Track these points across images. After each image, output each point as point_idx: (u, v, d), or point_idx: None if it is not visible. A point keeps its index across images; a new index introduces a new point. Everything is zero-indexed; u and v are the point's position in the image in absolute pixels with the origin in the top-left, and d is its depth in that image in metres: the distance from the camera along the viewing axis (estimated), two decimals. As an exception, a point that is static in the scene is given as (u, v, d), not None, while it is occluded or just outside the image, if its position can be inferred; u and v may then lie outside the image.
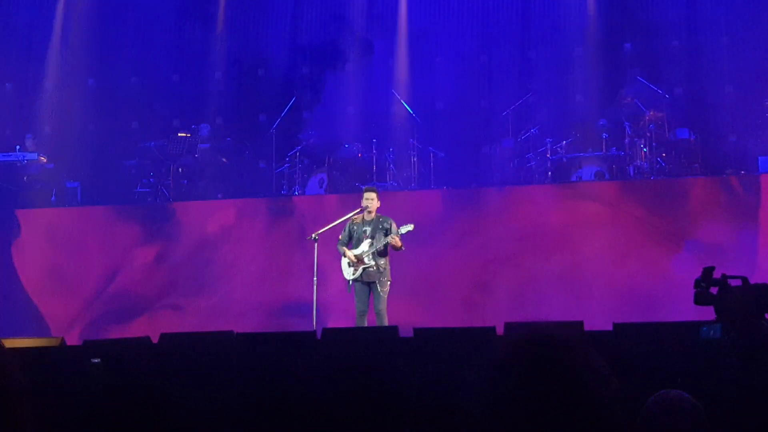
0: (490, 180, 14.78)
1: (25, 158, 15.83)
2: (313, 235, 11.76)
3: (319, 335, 9.48)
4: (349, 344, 8.84)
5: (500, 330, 8.67)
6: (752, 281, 6.43)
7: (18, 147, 15.99)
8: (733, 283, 6.30)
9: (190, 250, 14.55)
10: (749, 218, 13.14)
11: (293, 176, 15.41)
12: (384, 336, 9.45)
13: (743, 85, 14.99)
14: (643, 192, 13.75)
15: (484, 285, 13.48)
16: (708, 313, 6.59)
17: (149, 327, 12.83)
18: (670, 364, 7.16)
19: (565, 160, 14.66)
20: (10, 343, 7.85)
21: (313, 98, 16.27)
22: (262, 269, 14.27)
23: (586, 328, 8.75)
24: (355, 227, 11.57)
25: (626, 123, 14.60)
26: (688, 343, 7.10)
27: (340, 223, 11.77)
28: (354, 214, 11.61)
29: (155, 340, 9.24)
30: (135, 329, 13.54)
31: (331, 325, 12.02)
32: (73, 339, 12.48)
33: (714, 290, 6.41)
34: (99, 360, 8.19)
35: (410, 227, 11.43)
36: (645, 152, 14.36)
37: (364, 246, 11.45)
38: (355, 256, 11.42)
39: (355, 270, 11.46)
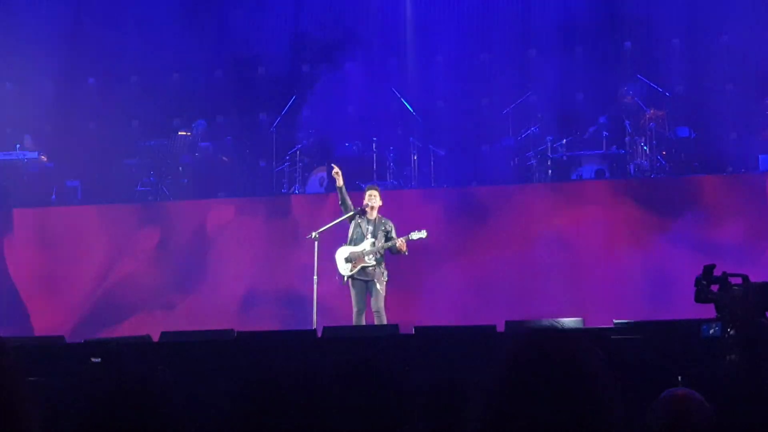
0: (491, 178, 14.78)
1: (25, 157, 15.82)
2: (313, 234, 11.69)
3: (319, 333, 9.49)
4: (350, 342, 8.85)
5: (501, 328, 8.69)
6: (753, 280, 6.43)
7: (18, 146, 15.98)
8: (734, 281, 6.31)
9: (190, 249, 14.53)
10: (750, 216, 13.14)
11: (293, 175, 15.40)
12: (385, 334, 9.47)
13: (743, 84, 14.98)
14: (644, 190, 13.75)
15: (485, 283, 13.47)
16: (709, 310, 6.59)
17: (146, 326, 12.78)
18: (671, 362, 7.17)
19: (565, 158, 14.66)
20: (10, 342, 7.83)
21: (313, 97, 16.25)
22: (262, 268, 14.26)
23: (587, 325, 8.76)
24: (358, 227, 11.51)
25: (626, 121, 14.60)
26: (689, 340, 7.11)
27: (340, 221, 11.74)
28: (354, 213, 11.58)
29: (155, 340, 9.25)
30: (128, 328, 13.52)
31: (330, 324, 12.01)
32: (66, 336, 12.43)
33: (715, 288, 6.42)
34: (99, 360, 8.19)
35: (423, 234, 11.30)
36: (645, 150, 14.36)
37: (366, 245, 11.43)
38: (354, 253, 11.39)
39: (353, 267, 11.42)
